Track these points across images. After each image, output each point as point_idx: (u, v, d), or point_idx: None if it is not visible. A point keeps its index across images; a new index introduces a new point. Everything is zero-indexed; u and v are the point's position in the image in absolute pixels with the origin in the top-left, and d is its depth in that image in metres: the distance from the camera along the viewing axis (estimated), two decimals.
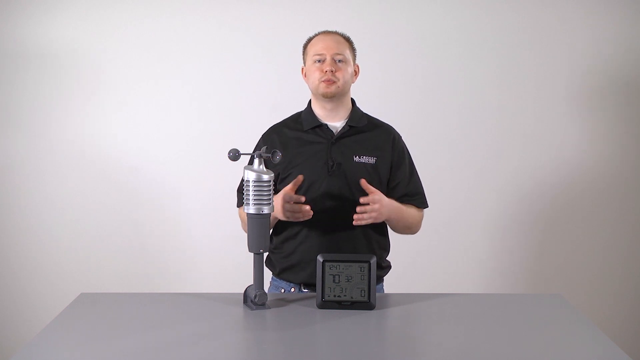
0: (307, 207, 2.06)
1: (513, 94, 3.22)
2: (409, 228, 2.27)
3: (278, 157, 1.91)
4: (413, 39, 3.20)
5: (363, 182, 2.10)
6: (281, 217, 2.10)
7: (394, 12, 3.19)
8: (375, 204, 2.08)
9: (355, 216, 2.08)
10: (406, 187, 2.25)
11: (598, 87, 3.21)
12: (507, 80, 3.21)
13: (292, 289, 2.21)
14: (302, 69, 2.29)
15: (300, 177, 2.09)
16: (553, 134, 3.23)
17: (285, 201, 2.06)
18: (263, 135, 2.30)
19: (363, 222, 2.09)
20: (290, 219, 2.09)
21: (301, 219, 2.08)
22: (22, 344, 2.91)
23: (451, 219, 3.27)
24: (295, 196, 2.07)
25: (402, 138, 2.32)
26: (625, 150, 3.24)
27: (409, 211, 2.24)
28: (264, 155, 1.91)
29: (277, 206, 2.07)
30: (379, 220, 2.13)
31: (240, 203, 2.30)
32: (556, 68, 3.20)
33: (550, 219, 3.28)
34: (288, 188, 2.08)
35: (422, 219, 2.32)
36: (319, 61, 2.18)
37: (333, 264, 1.92)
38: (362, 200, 2.08)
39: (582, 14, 3.18)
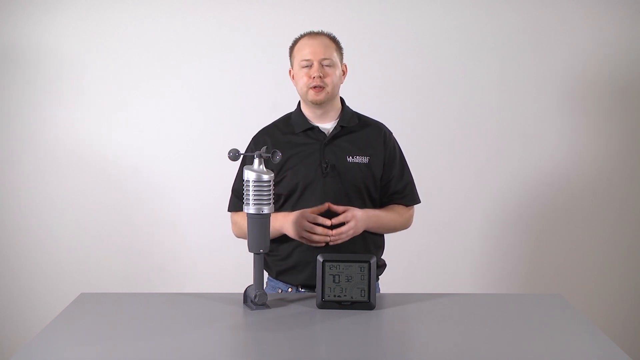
0: (328, 232, 2.06)
1: (513, 94, 3.22)
2: (393, 229, 2.28)
3: (278, 157, 1.91)
4: (413, 39, 3.20)
5: (329, 205, 2.09)
6: (293, 234, 2.10)
7: (394, 12, 3.19)
8: (350, 222, 2.08)
9: (333, 232, 2.06)
10: (397, 184, 2.26)
11: (598, 87, 3.21)
12: (507, 81, 3.21)
13: (290, 289, 2.21)
14: (290, 71, 2.27)
15: (327, 205, 2.09)
16: (553, 134, 3.23)
17: (305, 219, 2.06)
18: (254, 138, 2.28)
19: (340, 241, 2.08)
20: (304, 239, 2.09)
21: (315, 243, 2.08)
22: (22, 344, 2.91)
23: (451, 218, 3.27)
24: (320, 218, 2.06)
25: (393, 134, 2.31)
26: (625, 150, 3.24)
27: (389, 216, 2.24)
28: (264, 155, 1.91)
29: (289, 223, 2.08)
30: (357, 234, 2.12)
31: (231, 208, 2.30)
32: (556, 68, 3.20)
33: (550, 218, 3.28)
34: (309, 210, 2.07)
35: (412, 216, 2.33)
36: (306, 66, 2.17)
37: (333, 264, 1.92)
38: (334, 221, 2.07)
39: (582, 14, 3.17)
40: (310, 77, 2.15)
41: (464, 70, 3.21)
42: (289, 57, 2.27)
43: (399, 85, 3.21)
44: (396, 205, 2.27)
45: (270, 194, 1.88)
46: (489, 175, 3.25)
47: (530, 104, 3.22)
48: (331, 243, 2.08)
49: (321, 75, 2.14)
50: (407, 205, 2.29)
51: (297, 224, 2.07)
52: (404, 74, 3.21)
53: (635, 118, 3.23)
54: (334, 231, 2.06)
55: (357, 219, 2.09)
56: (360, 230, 2.12)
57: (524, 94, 3.22)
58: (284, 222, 2.12)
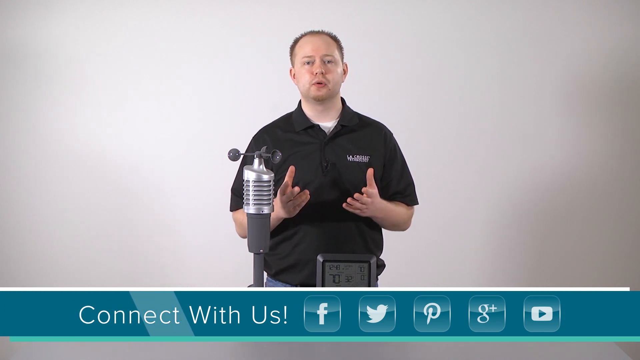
0: (303, 191, 2.06)
1: (514, 94, 3.22)
2: (396, 226, 2.29)
3: (278, 157, 1.91)
4: (412, 38, 3.19)
5: (370, 173, 2.09)
6: (284, 214, 2.10)
7: (393, 11, 3.19)
8: (369, 198, 2.08)
9: (346, 202, 2.08)
10: (397, 185, 2.26)
11: (598, 87, 3.21)
12: (507, 81, 3.21)
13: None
14: (290, 70, 2.28)
15: (292, 168, 2.08)
16: (554, 134, 3.23)
17: (283, 195, 2.05)
18: (254, 137, 2.29)
19: (350, 209, 2.09)
20: (295, 212, 2.09)
21: (304, 204, 2.08)
22: (22, 344, 2.91)
23: (450, 219, 3.27)
24: (294, 189, 2.06)
25: (394, 135, 2.32)
26: (626, 150, 3.24)
27: (397, 210, 2.25)
28: (264, 155, 1.90)
29: (277, 206, 2.07)
30: (364, 215, 2.13)
31: (233, 207, 2.30)
32: (556, 68, 3.20)
33: (550, 219, 3.28)
34: (283, 184, 2.07)
35: (411, 217, 2.33)
36: (308, 63, 2.18)
37: (333, 264, 1.92)
38: (356, 195, 2.08)
39: (582, 14, 3.17)
40: (312, 73, 2.16)
41: (464, 70, 3.20)
42: (289, 57, 2.27)
43: (398, 84, 3.21)
44: (399, 203, 2.28)
45: (270, 194, 1.88)
46: (489, 176, 3.25)
47: (532, 103, 3.22)
48: (344, 205, 2.09)
49: (323, 71, 2.15)
50: (408, 205, 2.30)
51: (283, 203, 2.07)
52: (403, 73, 3.20)
53: (636, 118, 3.23)
54: (350, 200, 2.08)
55: (374, 203, 2.10)
56: (368, 214, 2.13)
57: (524, 94, 3.22)
58: (276, 209, 2.11)
